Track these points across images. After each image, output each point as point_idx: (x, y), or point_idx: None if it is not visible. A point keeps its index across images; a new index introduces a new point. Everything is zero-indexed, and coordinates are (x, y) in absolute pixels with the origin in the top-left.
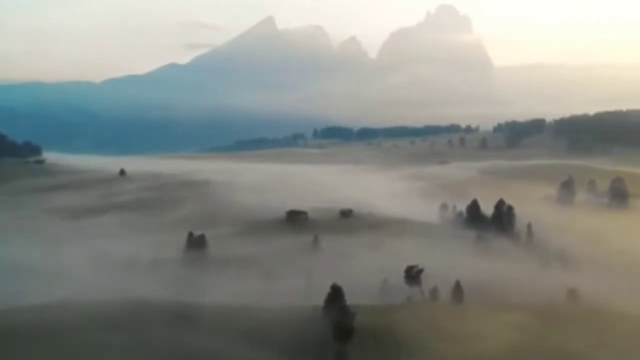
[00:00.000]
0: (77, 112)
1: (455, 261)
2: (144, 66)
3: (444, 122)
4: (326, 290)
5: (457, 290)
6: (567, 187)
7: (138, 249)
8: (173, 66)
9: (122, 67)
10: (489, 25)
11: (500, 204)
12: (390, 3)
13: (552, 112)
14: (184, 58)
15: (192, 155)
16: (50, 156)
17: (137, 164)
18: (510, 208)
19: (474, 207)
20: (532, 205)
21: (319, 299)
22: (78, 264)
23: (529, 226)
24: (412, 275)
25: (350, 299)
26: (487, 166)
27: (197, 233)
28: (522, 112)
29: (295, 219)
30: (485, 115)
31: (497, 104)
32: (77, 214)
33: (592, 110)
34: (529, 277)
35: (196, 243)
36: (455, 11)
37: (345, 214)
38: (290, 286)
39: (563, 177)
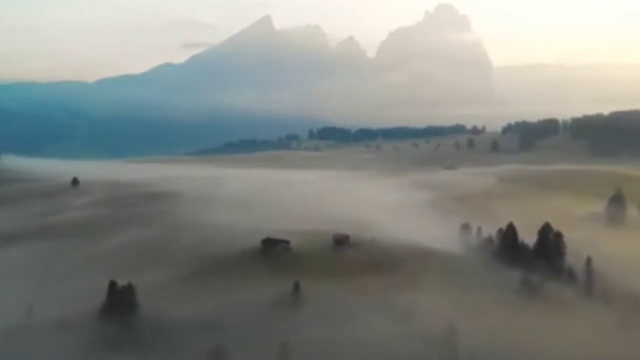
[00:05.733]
0: (70, 112)
1: (504, 331)
2: (138, 66)
3: (446, 122)
4: None
5: None
6: (617, 203)
7: (28, 310)
8: (168, 66)
9: (117, 67)
10: (489, 25)
11: (545, 230)
12: (388, 2)
13: (552, 111)
14: (180, 57)
15: (176, 159)
16: (8, 161)
17: (106, 170)
18: (558, 236)
19: (510, 235)
20: (577, 226)
21: None
22: None
23: (589, 262)
24: None
25: None
26: (504, 172)
27: (128, 279)
28: (524, 112)
29: (272, 251)
30: (486, 115)
31: (498, 104)
32: None
33: (594, 109)
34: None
35: (119, 299)
36: (454, 10)
37: (340, 241)
38: None
39: (600, 186)
